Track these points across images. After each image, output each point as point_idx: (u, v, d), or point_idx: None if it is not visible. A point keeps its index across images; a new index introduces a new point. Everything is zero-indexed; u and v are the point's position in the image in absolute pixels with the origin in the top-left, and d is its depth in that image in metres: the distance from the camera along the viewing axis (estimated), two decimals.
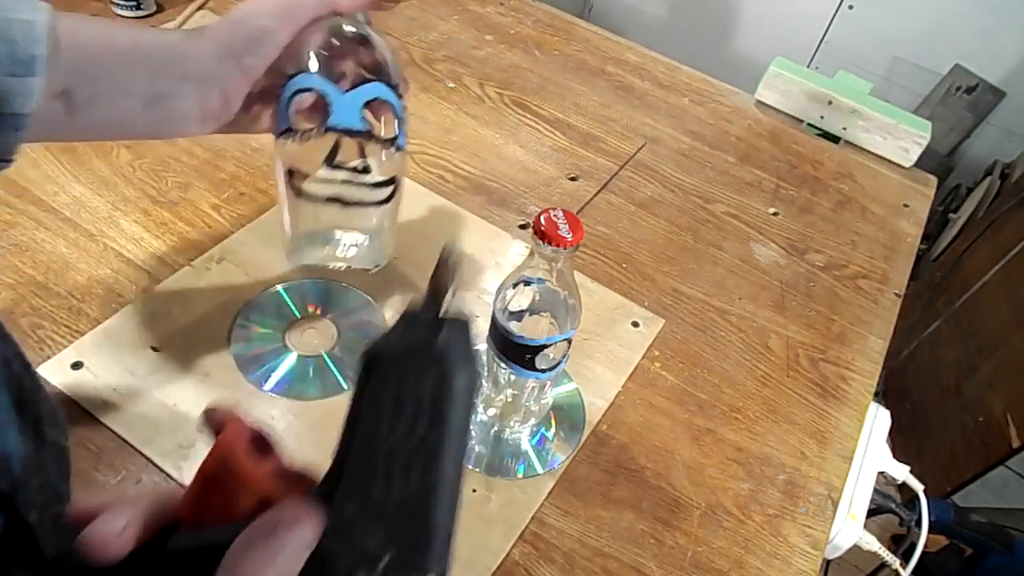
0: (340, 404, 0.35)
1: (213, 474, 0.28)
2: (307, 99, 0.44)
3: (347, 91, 0.44)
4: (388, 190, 0.49)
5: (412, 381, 0.29)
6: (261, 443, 0.30)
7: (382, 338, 0.31)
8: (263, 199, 0.69)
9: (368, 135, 0.46)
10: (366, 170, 0.48)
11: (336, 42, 0.45)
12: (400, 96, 0.47)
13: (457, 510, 0.29)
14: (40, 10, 0.33)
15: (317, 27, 0.43)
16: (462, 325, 0.32)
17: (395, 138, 0.47)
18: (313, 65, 0.44)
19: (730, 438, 0.59)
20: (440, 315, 0.32)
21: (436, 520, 0.27)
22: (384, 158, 0.47)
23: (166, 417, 0.51)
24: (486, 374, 0.53)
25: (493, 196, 0.76)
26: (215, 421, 0.30)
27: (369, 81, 0.45)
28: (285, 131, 0.45)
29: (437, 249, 0.33)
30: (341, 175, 0.47)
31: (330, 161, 0.47)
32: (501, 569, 0.48)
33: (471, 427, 0.31)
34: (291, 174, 0.47)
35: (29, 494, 0.31)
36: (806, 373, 0.65)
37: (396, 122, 0.47)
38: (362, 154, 0.47)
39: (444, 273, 0.33)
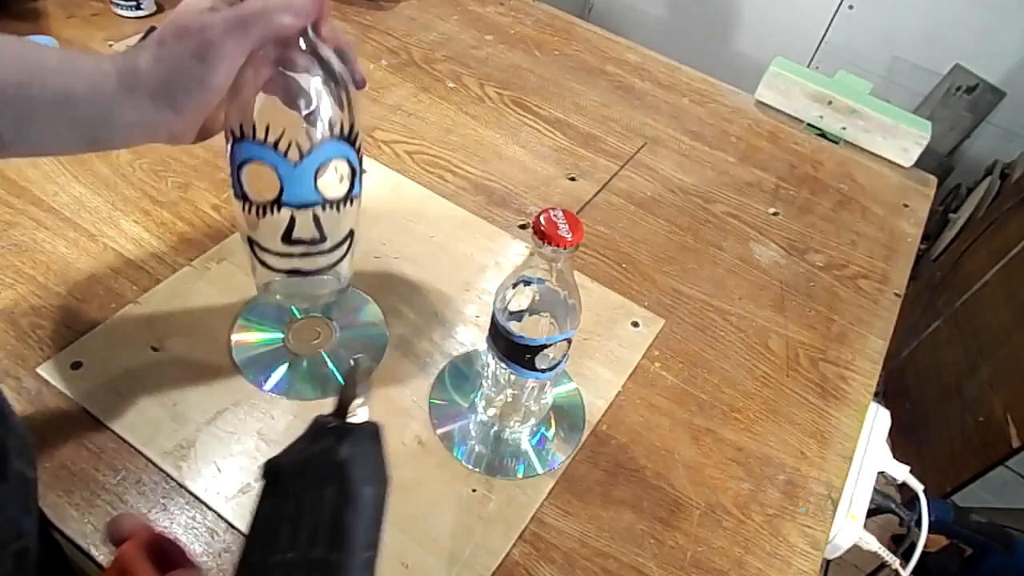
0: None
1: None
2: (258, 171, 0.43)
3: (297, 163, 0.42)
4: (345, 246, 0.49)
5: (311, 496, 0.28)
6: (165, 554, 0.30)
7: (284, 450, 0.30)
8: None
9: (323, 203, 0.45)
10: (323, 239, 0.47)
11: (284, 63, 0.42)
12: (356, 146, 0.45)
13: None
14: None
15: (261, 60, 0.40)
16: (369, 435, 0.31)
17: (350, 191, 0.46)
18: (260, 128, 0.42)
19: (730, 438, 0.59)
20: (346, 426, 0.31)
21: None
22: (340, 215, 0.47)
23: (166, 417, 0.51)
24: (486, 374, 0.53)
25: (493, 196, 0.76)
26: (117, 532, 0.29)
27: (321, 143, 0.43)
28: (241, 195, 0.44)
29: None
30: (299, 248, 0.47)
31: (287, 238, 0.46)
32: (501, 569, 0.48)
33: (380, 540, 0.30)
34: (251, 242, 0.48)
35: None
36: (806, 373, 0.65)
37: (351, 175, 0.45)
38: (317, 223, 0.46)
39: (352, 383, 0.32)
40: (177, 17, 0.37)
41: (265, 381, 0.55)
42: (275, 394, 0.54)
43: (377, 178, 0.75)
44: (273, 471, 0.30)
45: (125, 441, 0.50)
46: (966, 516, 1.09)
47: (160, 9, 0.91)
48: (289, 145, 0.42)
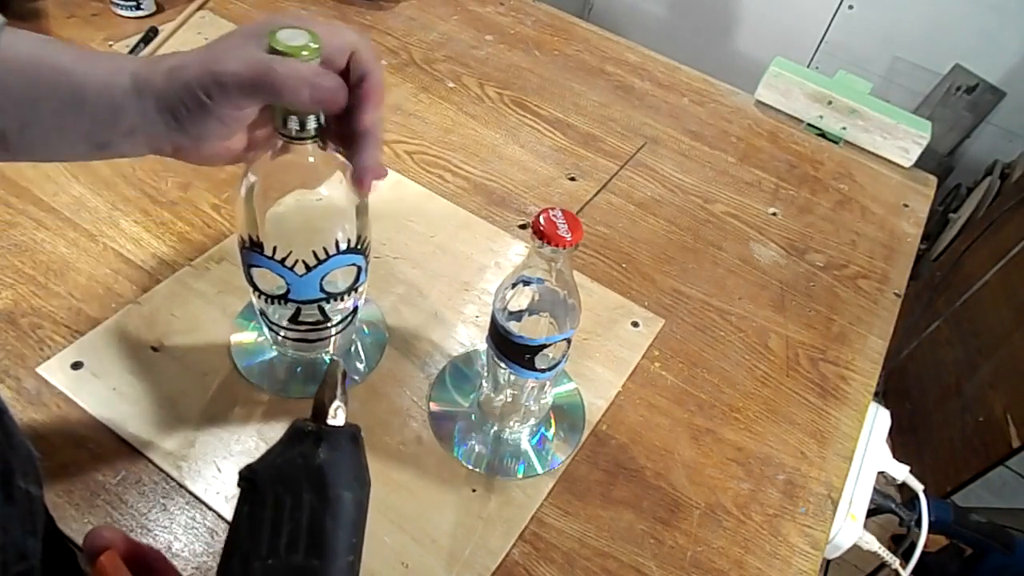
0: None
1: None
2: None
3: (304, 275, 0.45)
4: (349, 318, 0.52)
5: (289, 502, 0.28)
6: (147, 565, 0.29)
7: (262, 456, 0.30)
8: None
9: (328, 297, 0.48)
10: (327, 320, 0.50)
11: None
12: (365, 253, 0.47)
13: None
14: None
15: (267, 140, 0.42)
16: (348, 438, 0.31)
17: (355, 282, 0.48)
18: (268, 248, 0.44)
19: (730, 438, 0.59)
20: (324, 429, 0.31)
21: None
22: (345, 301, 0.50)
23: (166, 417, 0.51)
24: (486, 374, 0.53)
25: (493, 196, 0.76)
26: (95, 543, 0.29)
27: (328, 256, 0.45)
28: (252, 285, 0.47)
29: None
30: (306, 327, 0.50)
31: (294, 319, 0.49)
32: (501, 569, 0.48)
33: (361, 545, 0.30)
34: (262, 314, 0.51)
35: None
36: (806, 373, 0.65)
37: (357, 271, 0.48)
38: (322, 311, 0.49)
39: (329, 385, 0.32)
40: (210, 48, 0.38)
41: (265, 381, 0.55)
42: (275, 394, 0.54)
43: None
44: (250, 477, 0.29)
45: (125, 441, 0.50)
46: (966, 516, 1.09)
47: (160, 9, 0.91)
48: (296, 263, 0.44)
